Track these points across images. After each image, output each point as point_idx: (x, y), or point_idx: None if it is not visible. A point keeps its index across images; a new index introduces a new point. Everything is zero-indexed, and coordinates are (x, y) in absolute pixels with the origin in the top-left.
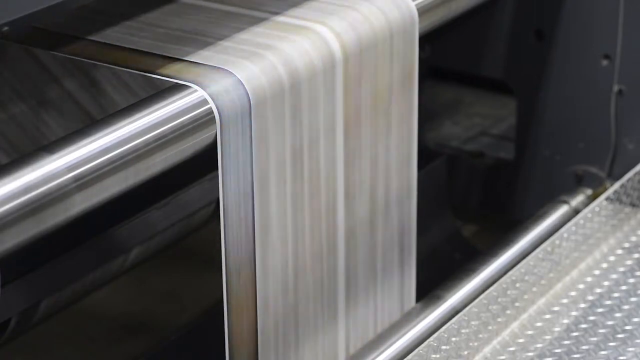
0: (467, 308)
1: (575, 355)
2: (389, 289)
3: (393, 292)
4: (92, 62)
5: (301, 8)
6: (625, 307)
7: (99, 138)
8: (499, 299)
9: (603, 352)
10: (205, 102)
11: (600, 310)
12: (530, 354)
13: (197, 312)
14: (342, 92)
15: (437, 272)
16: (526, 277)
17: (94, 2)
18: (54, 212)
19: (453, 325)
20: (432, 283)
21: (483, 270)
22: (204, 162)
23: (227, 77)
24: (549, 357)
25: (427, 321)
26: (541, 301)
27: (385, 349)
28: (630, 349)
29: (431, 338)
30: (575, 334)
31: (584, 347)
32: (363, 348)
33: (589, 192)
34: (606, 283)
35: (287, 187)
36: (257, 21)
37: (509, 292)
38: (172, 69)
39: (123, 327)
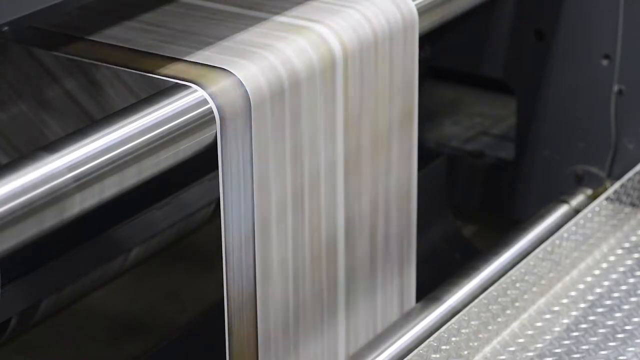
0: (467, 308)
1: (575, 355)
2: (389, 289)
3: (393, 292)
4: (92, 62)
5: (301, 8)
6: (625, 307)
7: (99, 138)
8: (499, 299)
9: (603, 352)
10: (205, 102)
11: (600, 310)
12: (530, 354)
13: (197, 312)
14: (343, 91)
15: (437, 272)
16: (526, 277)
17: (94, 2)
18: (54, 212)
19: (453, 325)
20: (432, 283)
21: (483, 270)
22: (204, 162)
23: (227, 77)
24: (549, 357)
25: (427, 321)
26: (541, 301)
27: (385, 349)
28: (630, 349)
29: (431, 338)
30: (575, 334)
31: (584, 347)
32: (363, 348)
33: (589, 192)
34: (606, 283)
35: (287, 185)
36: (257, 21)
37: (509, 292)
38: (172, 69)
39: (123, 327)
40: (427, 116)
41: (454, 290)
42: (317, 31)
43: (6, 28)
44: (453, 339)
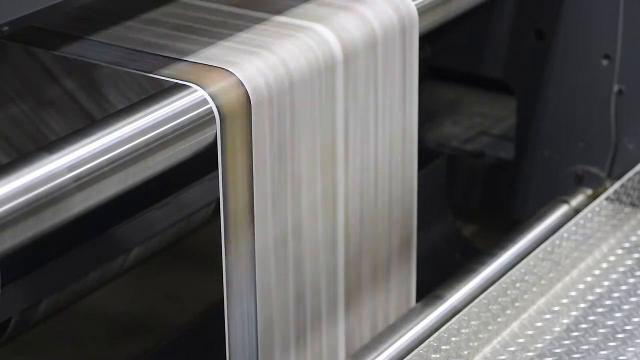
0: (467, 308)
1: (575, 355)
2: (389, 289)
3: (393, 292)
4: (92, 62)
5: (301, 8)
6: (625, 307)
7: (99, 138)
8: (499, 299)
9: (603, 352)
10: (205, 102)
11: (600, 310)
12: (530, 354)
13: (197, 312)
14: (343, 91)
15: (437, 272)
16: (526, 277)
17: (94, 2)
18: (54, 212)
19: (453, 325)
20: (432, 283)
21: (483, 270)
22: (204, 162)
23: (227, 77)
24: (549, 357)
25: (427, 321)
26: (541, 301)
27: (385, 349)
28: (630, 349)
29: (431, 338)
30: (575, 334)
31: (584, 347)
32: (363, 348)
33: (589, 192)
34: (606, 283)
35: (286, 183)
36: (257, 21)
37: (509, 292)
38: (172, 69)
39: (123, 327)
40: (427, 116)
41: (454, 290)
42: (317, 31)
43: (6, 28)
44: (453, 339)
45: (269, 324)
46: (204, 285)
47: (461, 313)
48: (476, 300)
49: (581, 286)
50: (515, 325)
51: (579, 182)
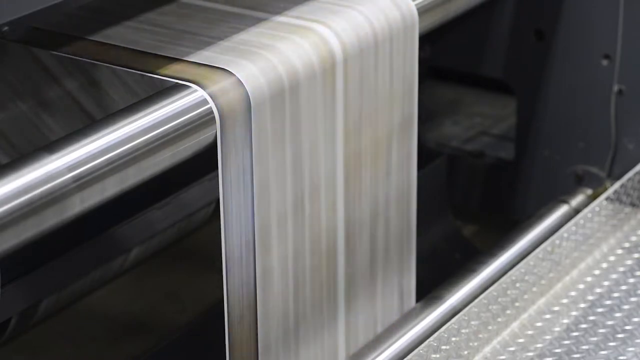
0: (467, 308)
1: (575, 355)
2: (389, 289)
3: (393, 292)
4: (92, 62)
5: (301, 8)
6: (625, 307)
7: (99, 138)
8: (499, 299)
9: (603, 352)
10: (205, 102)
11: (600, 310)
12: (530, 354)
13: (197, 312)
14: (343, 92)
15: (437, 272)
16: (526, 277)
17: (94, 2)
18: (54, 212)
19: (453, 325)
20: (432, 283)
21: (483, 270)
22: (204, 162)
23: (227, 77)
24: (549, 357)
25: (427, 321)
26: (541, 301)
27: (385, 349)
28: (630, 349)
29: (431, 338)
30: (575, 334)
31: (584, 347)
32: (363, 348)
33: (589, 192)
34: (606, 283)
35: (287, 186)
36: (257, 21)
37: (509, 292)
38: (172, 69)
39: (123, 327)
40: (427, 116)
41: (454, 290)
42: (317, 31)
43: (6, 28)
44: (453, 339)
45: (269, 324)
46: (204, 285)
47: (461, 313)
48: (476, 300)
49: (581, 286)
50: (515, 325)
51: (579, 182)
